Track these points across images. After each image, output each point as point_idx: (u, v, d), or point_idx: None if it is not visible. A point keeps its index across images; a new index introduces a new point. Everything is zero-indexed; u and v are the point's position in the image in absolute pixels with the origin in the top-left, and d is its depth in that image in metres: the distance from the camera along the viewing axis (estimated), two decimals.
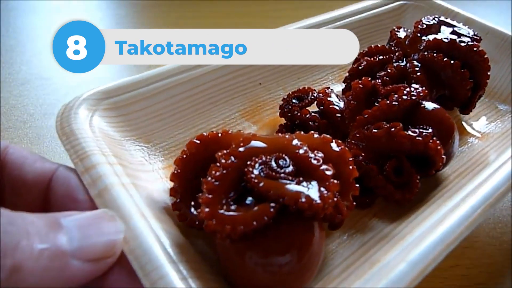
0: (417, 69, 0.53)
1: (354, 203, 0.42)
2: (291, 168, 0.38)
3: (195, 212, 0.42)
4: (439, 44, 0.56)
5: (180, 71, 0.54)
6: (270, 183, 0.37)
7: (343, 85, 0.61)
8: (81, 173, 0.40)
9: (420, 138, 0.45)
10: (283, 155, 0.39)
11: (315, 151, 0.41)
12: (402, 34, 0.61)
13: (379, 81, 0.52)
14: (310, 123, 0.52)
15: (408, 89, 0.49)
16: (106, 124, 0.48)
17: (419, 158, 0.47)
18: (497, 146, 0.52)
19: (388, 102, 0.48)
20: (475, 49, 0.54)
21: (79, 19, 0.39)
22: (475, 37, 0.57)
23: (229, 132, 0.44)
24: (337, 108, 0.53)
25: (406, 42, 0.58)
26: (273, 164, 0.39)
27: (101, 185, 0.39)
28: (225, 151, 0.40)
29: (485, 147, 0.54)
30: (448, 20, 0.60)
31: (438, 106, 0.49)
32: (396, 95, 0.48)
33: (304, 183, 0.37)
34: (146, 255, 0.34)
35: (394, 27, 0.63)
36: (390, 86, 0.51)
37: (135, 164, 0.47)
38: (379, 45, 0.60)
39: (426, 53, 0.55)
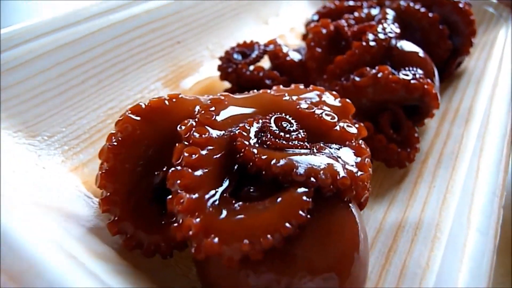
0: (388, 16, 0.44)
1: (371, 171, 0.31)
2: (300, 131, 0.25)
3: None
4: None
5: (67, 23, 0.36)
6: (284, 157, 0.23)
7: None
8: None
9: (415, 81, 0.36)
10: (284, 115, 0.26)
11: (320, 105, 0.28)
12: None
13: (343, 22, 0.42)
14: (267, 81, 0.39)
15: (381, 27, 0.40)
16: None
17: (407, 107, 0.38)
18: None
19: (364, 43, 0.38)
20: (460, 5, 0.47)
21: None
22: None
23: (180, 96, 0.28)
24: (296, 60, 0.41)
25: None
26: (275, 128, 0.25)
27: None
28: (193, 123, 0.25)
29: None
30: None
31: (414, 45, 0.41)
32: (370, 34, 0.39)
33: (328, 151, 0.25)
34: None
35: None
36: (357, 27, 0.41)
37: (22, 172, 0.28)
38: None
39: (402, 3, 0.47)
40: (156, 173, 0.26)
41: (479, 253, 0.25)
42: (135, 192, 0.26)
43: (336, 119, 0.27)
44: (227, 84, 0.43)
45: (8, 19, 0.85)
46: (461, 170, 0.32)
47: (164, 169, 0.26)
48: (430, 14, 0.46)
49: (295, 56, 0.41)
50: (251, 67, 0.41)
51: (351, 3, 0.50)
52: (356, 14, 0.46)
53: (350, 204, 0.24)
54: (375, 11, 0.48)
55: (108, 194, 0.25)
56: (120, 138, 0.26)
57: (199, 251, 0.20)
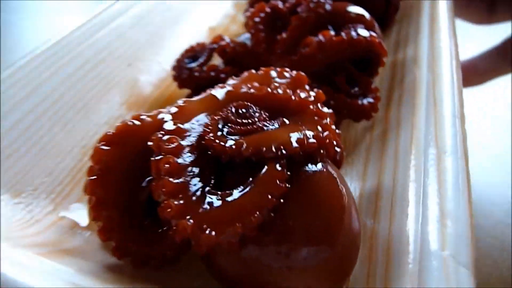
0: None
1: (339, 131, 0.32)
2: (261, 112, 0.27)
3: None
4: None
5: (16, 80, 0.36)
6: (255, 139, 0.24)
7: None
8: None
9: (358, 36, 0.38)
10: (241, 102, 0.27)
11: (271, 83, 0.30)
12: None
13: (278, 2, 0.43)
14: (222, 76, 0.41)
15: None
16: None
17: (360, 62, 0.40)
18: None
19: (302, 15, 0.40)
20: None
21: None
22: None
23: (142, 116, 0.29)
24: (244, 49, 0.42)
25: None
26: (235, 117, 0.26)
27: None
28: (160, 135, 0.26)
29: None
30: None
31: (348, 3, 0.43)
32: (304, 6, 0.40)
33: (290, 122, 0.26)
34: None
35: None
36: (290, 2, 0.42)
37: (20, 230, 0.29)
38: None
39: None
40: (142, 187, 0.27)
41: (455, 173, 0.27)
42: (128, 214, 0.27)
43: (290, 92, 0.28)
44: (186, 91, 0.44)
45: (8, 19, 0.91)
46: (421, 104, 0.34)
47: (147, 183, 0.27)
48: None
49: (242, 46, 0.43)
50: (204, 68, 0.42)
51: None
52: None
53: (323, 164, 0.26)
54: None
55: (103, 224, 0.27)
56: (98, 170, 0.27)
57: (199, 247, 0.22)
